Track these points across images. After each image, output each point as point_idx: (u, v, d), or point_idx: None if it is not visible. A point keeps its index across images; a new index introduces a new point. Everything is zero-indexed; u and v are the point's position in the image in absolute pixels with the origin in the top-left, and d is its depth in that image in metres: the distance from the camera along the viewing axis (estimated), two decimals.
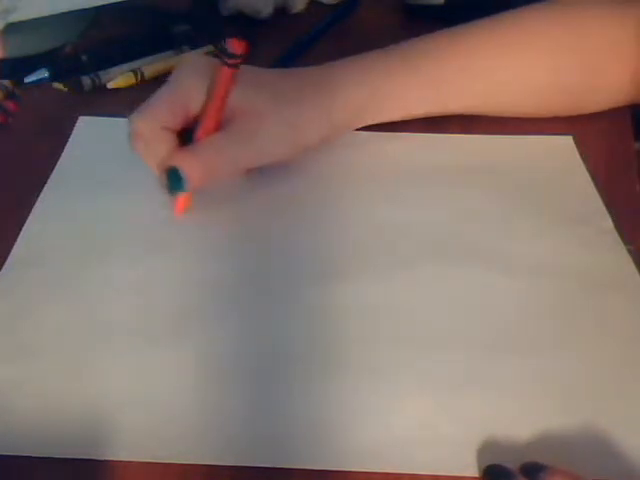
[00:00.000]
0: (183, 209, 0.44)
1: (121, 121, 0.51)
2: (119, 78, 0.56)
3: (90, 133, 0.52)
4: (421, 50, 0.49)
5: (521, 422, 0.34)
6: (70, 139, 0.51)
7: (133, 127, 0.42)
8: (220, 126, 0.43)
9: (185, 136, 0.43)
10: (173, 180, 0.41)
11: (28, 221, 0.45)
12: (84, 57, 0.58)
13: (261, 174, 0.47)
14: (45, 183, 0.48)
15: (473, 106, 0.50)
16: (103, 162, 0.50)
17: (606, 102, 0.52)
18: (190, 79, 0.43)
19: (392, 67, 0.48)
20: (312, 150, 0.47)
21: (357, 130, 0.50)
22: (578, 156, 0.50)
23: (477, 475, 0.33)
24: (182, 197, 0.44)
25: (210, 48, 0.61)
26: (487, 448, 0.33)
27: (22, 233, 0.44)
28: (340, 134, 0.48)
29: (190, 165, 0.41)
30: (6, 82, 0.56)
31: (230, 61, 0.40)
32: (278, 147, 0.45)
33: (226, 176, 0.44)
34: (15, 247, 0.43)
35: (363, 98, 0.47)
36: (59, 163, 0.49)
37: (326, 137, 0.47)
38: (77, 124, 0.53)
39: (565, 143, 0.51)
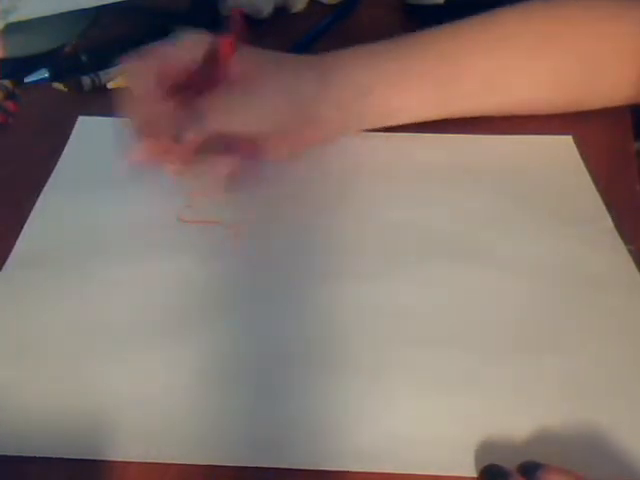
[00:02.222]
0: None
1: (120, 121, 0.51)
2: (119, 78, 0.56)
3: (89, 133, 0.52)
4: (420, 51, 0.49)
5: (521, 422, 0.35)
6: (70, 139, 0.51)
7: (130, 69, 0.44)
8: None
9: None
10: None
11: (29, 221, 0.45)
12: (84, 57, 0.58)
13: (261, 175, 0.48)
14: (45, 183, 0.48)
15: (474, 107, 0.50)
16: (103, 162, 0.49)
17: (606, 101, 0.52)
18: (195, 42, 0.44)
19: (390, 73, 0.48)
20: (314, 137, 0.48)
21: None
22: (578, 156, 0.50)
23: (477, 475, 0.33)
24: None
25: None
26: (487, 448, 0.33)
27: (23, 233, 0.44)
28: (352, 127, 0.49)
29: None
30: (6, 82, 0.56)
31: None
32: (277, 110, 0.45)
33: (211, 132, 0.43)
34: (16, 247, 0.43)
35: (365, 104, 0.48)
36: (59, 163, 0.49)
37: (328, 120, 0.47)
38: (77, 124, 0.53)
39: (565, 143, 0.51)
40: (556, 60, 0.49)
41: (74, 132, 0.52)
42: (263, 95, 0.44)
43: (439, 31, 0.49)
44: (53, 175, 0.48)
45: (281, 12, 0.66)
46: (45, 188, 0.47)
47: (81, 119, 0.53)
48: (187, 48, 0.44)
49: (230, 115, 0.44)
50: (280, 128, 0.46)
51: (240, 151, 0.45)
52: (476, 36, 0.49)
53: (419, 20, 0.65)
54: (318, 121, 0.47)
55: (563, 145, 0.51)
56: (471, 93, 0.49)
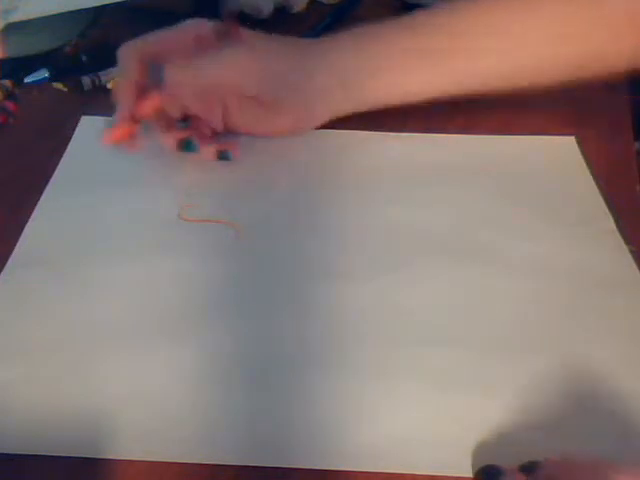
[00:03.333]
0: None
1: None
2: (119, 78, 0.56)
3: (92, 133, 0.52)
4: (423, 23, 0.49)
5: (521, 422, 0.34)
6: (72, 139, 0.51)
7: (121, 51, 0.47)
8: None
9: None
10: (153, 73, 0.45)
11: (30, 220, 0.45)
12: (84, 57, 0.59)
13: (262, 172, 0.48)
14: (45, 183, 0.47)
15: (479, 74, 0.49)
16: (105, 162, 0.50)
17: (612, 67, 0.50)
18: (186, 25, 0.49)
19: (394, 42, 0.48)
20: (316, 111, 0.49)
21: (355, 129, 0.51)
22: (581, 156, 0.50)
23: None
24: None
25: None
26: (487, 448, 0.33)
27: (24, 233, 0.44)
28: (355, 105, 0.49)
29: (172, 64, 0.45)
30: (6, 82, 0.56)
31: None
32: (244, 70, 0.46)
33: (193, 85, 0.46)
34: (17, 247, 0.43)
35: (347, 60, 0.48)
36: (61, 163, 0.49)
37: (330, 93, 0.48)
38: (79, 124, 0.53)
39: (568, 143, 0.51)
40: (564, 29, 0.48)
41: (76, 132, 0.52)
42: (263, 53, 0.46)
43: (443, 8, 0.49)
44: (55, 175, 0.48)
45: (281, 12, 0.66)
46: (47, 188, 0.47)
47: (84, 119, 0.53)
48: (186, 29, 0.47)
49: (227, 69, 0.46)
50: (280, 87, 0.47)
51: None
52: (480, 7, 0.49)
53: None
54: (320, 91, 0.48)
55: (566, 146, 0.51)
56: (475, 61, 0.49)
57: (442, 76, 0.49)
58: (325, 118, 0.50)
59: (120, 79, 0.47)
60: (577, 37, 0.49)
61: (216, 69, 0.45)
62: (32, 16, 0.56)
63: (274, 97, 0.47)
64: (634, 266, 0.42)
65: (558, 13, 0.49)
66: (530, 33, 0.48)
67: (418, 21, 0.49)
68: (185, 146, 0.47)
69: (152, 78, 0.46)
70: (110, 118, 0.53)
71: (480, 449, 0.33)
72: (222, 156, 0.47)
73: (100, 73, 0.57)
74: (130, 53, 0.47)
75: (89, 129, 0.52)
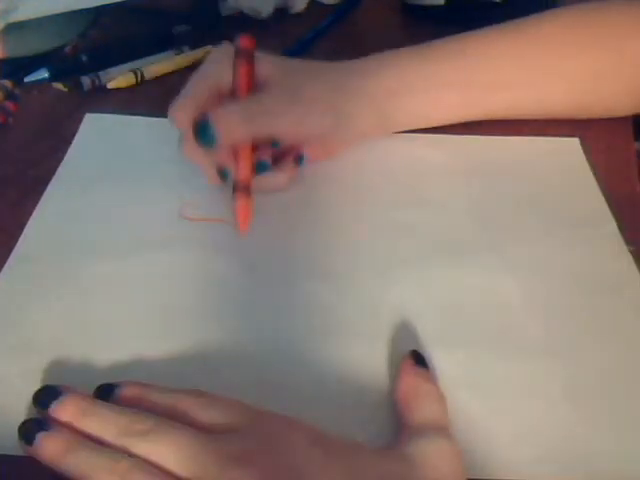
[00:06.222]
0: (245, 220, 0.43)
1: (127, 118, 0.52)
2: (119, 78, 0.56)
3: (96, 131, 0.52)
4: (449, 54, 0.49)
5: (522, 422, 0.34)
6: (76, 136, 0.51)
7: (174, 116, 0.44)
8: None
9: None
10: (203, 133, 0.41)
11: (31, 219, 0.45)
12: (84, 57, 0.59)
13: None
14: (44, 183, 0.47)
15: (502, 108, 0.50)
16: (107, 160, 0.50)
17: (614, 110, 0.52)
18: (218, 63, 0.45)
19: (418, 77, 0.48)
20: (357, 139, 0.49)
21: None
22: (584, 158, 0.50)
23: (480, 476, 0.32)
24: (241, 206, 0.43)
25: (210, 48, 0.61)
26: (488, 448, 0.33)
27: (25, 231, 0.44)
28: (385, 128, 0.50)
29: (220, 116, 0.42)
30: (6, 82, 0.56)
31: (242, 54, 0.43)
32: (318, 116, 0.45)
33: (258, 134, 0.43)
34: (17, 245, 0.43)
35: (406, 97, 0.48)
36: (64, 160, 0.49)
37: (372, 125, 0.48)
38: (83, 121, 0.53)
39: (571, 145, 0.51)
40: (589, 66, 0.49)
41: (80, 129, 0.52)
42: (307, 101, 0.45)
43: (467, 36, 0.49)
44: (58, 172, 0.48)
45: (281, 13, 0.66)
46: (49, 186, 0.47)
47: (88, 116, 0.53)
48: (219, 71, 0.44)
49: (279, 117, 0.44)
50: (322, 132, 0.46)
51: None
52: (504, 45, 0.49)
53: (419, 20, 0.66)
54: (353, 122, 0.47)
55: (569, 147, 0.51)
56: (500, 96, 0.50)
57: (466, 106, 0.50)
58: (354, 144, 0.50)
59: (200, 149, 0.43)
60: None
61: (266, 120, 0.43)
62: (32, 16, 0.56)
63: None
64: (634, 267, 0.42)
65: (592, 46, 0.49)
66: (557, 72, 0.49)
67: (452, 49, 0.49)
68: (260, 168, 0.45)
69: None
70: (114, 116, 0.53)
71: (482, 449, 0.33)
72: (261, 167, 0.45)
73: (100, 73, 0.57)
74: (186, 115, 0.43)
75: (93, 127, 0.52)
